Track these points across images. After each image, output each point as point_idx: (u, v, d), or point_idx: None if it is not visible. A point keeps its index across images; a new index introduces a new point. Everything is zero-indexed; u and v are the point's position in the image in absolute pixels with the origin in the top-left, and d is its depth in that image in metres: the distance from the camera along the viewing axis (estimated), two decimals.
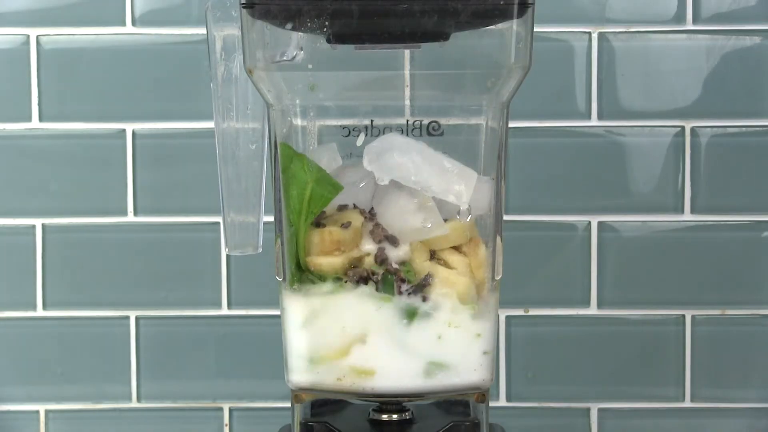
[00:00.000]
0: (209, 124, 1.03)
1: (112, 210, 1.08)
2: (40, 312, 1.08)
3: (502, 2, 0.77)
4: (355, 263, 0.80)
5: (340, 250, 0.80)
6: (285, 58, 0.80)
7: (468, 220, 0.80)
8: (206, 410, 1.09)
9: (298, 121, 0.82)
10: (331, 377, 0.80)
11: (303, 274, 0.80)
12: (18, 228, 1.08)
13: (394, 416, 0.84)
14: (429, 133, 0.81)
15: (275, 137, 0.81)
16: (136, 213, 1.07)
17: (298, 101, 0.81)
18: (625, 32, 1.06)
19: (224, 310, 1.08)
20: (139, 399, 1.09)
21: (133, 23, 1.07)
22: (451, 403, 0.87)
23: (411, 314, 0.80)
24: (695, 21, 1.06)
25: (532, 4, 0.78)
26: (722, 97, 1.06)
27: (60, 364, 1.08)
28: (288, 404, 0.84)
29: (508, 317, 1.08)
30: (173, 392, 1.09)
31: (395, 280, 0.79)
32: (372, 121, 0.81)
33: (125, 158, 1.07)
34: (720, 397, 1.08)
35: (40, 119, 1.07)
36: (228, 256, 1.07)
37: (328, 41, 0.79)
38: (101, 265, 1.08)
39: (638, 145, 1.07)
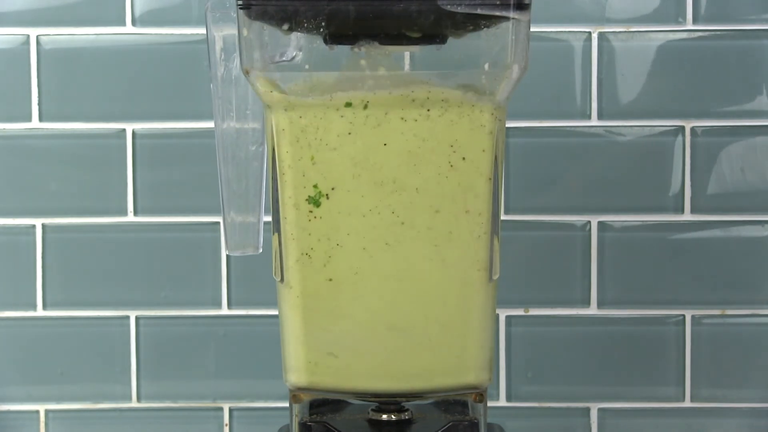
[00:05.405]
0: (209, 124, 1.04)
1: (112, 210, 1.08)
2: (40, 312, 1.08)
3: (498, 2, 0.77)
4: None
5: None
6: (284, 58, 0.80)
7: None
8: (206, 410, 1.09)
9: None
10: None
11: None
12: (18, 228, 1.08)
13: (393, 416, 0.84)
14: None
15: (273, 137, 0.81)
16: (136, 213, 1.08)
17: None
18: (625, 32, 1.06)
19: (224, 310, 1.08)
20: (139, 399, 1.09)
21: (133, 23, 1.07)
22: (449, 402, 0.87)
23: None
24: (695, 21, 1.06)
25: (529, 4, 0.78)
26: (722, 97, 1.06)
27: (60, 364, 1.08)
28: (287, 404, 0.84)
29: (508, 317, 1.08)
30: (173, 392, 1.09)
31: None
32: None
33: (125, 158, 1.07)
34: (720, 397, 1.08)
35: (40, 119, 1.07)
36: (228, 256, 1.07)
37: (325, 42, 0.79)
38: (101, 265, 1.08)
39: (638, 145, 1.07)
